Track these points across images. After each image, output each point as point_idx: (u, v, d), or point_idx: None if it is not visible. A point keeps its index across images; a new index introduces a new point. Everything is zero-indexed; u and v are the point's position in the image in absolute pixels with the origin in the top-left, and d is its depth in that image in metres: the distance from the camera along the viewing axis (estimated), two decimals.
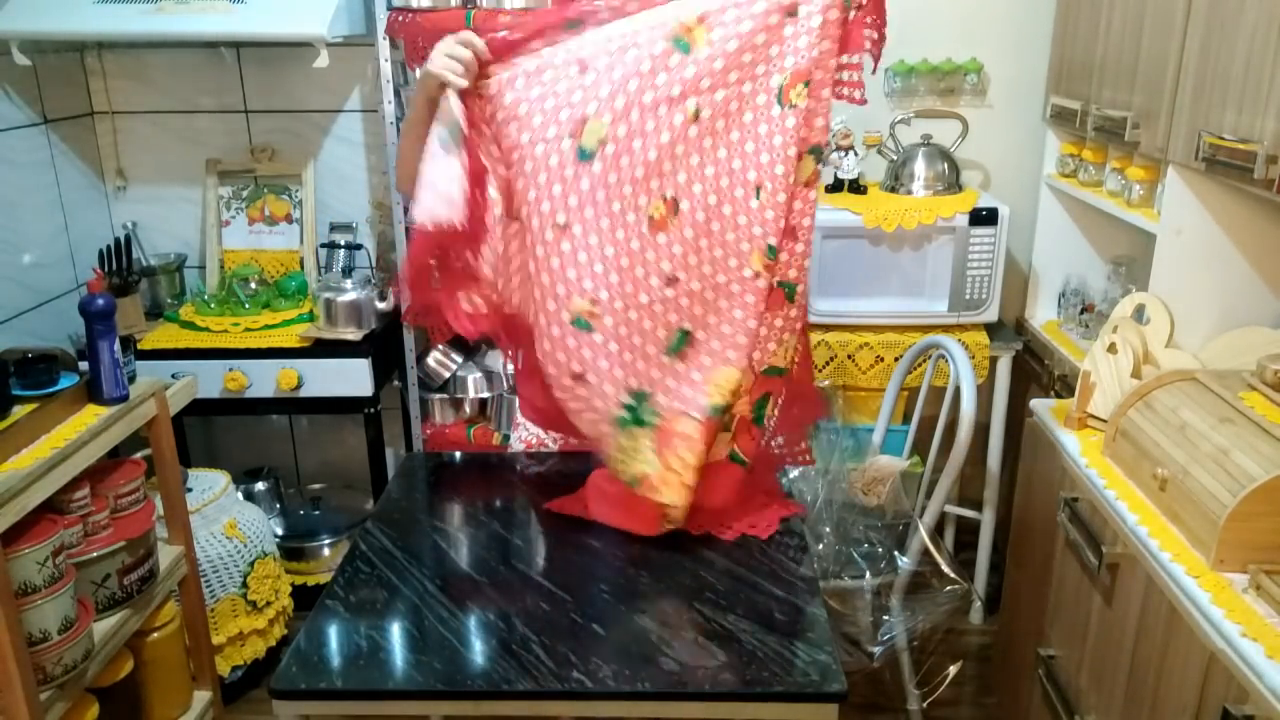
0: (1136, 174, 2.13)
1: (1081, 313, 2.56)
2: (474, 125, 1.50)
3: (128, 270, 2.65)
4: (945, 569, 1.99)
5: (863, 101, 1.50)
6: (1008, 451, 2.55)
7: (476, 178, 1.51)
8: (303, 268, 2.86)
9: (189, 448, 2.96)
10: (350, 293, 2.60)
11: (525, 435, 1.84)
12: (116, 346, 1.81)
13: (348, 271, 2.72)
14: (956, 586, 1.99)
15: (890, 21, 1.50)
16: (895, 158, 2.63)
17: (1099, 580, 1.63)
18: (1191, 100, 1.80)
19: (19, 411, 1.68)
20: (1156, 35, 1.95)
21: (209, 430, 3.15)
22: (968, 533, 2.75)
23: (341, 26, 2.43)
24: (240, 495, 2.55)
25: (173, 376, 2.15)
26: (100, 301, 1.78)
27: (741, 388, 1.56)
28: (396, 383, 2.82)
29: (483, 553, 1.50)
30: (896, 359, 2.47)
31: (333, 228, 2.88)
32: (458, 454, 1.97)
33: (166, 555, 2.01)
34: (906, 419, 2.43)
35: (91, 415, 1.78)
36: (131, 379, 1.90)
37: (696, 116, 1.47)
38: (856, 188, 2.60)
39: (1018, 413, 2.33)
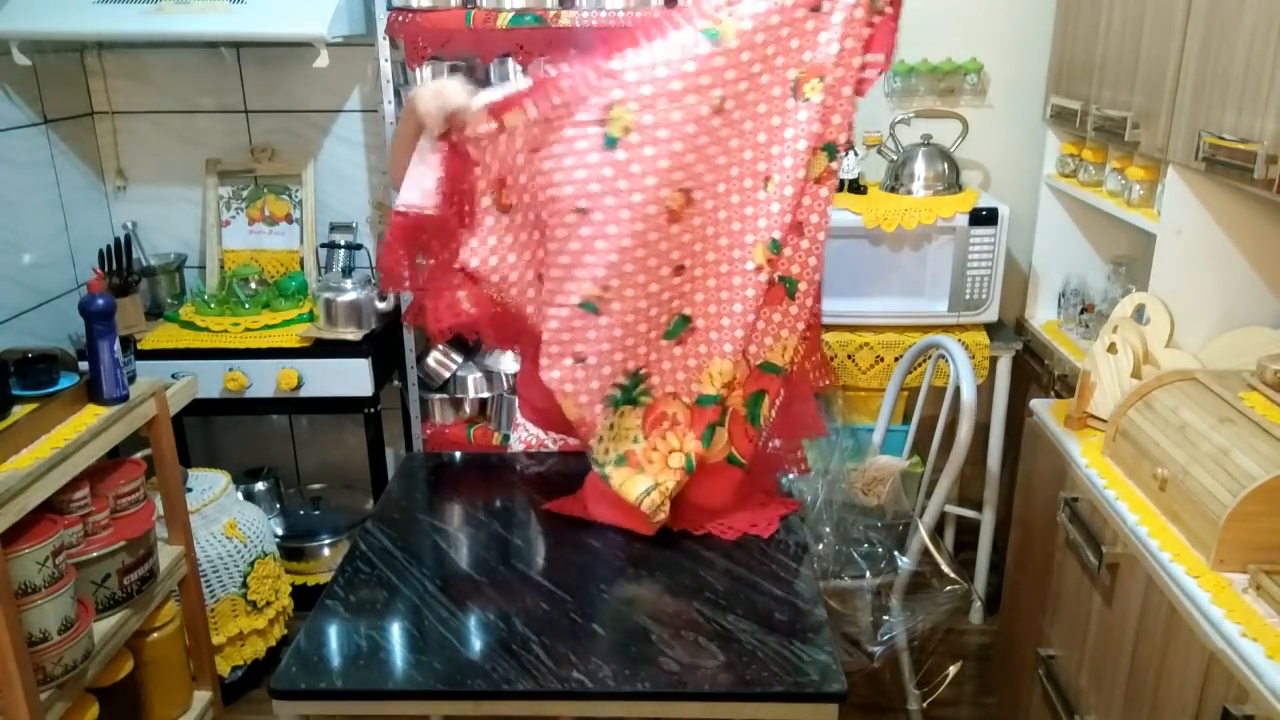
0: (1136, 174, 2.13)
1: (1081, 313, 2.56)
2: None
3: (128, 270, 2.65)
4: (945, 569, 1.99)
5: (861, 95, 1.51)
6: (1008, 451, 2.54)
7: (460, 174, 1.52)
8: (303, 268, 2.86)
9: (189, 448, 2.95)
10: (350, 293, 2.60)
11: (525, 435, 1.85)
12: (116, 346, 1.81)
13: (348, 271, 2.72)
14: (956, 586, 1.99)
15: None
16: (895, 158, 2.63)
17: (1099, 580, 1.63)
18: (1191, 100, 1.80)
19: (19, 411, 1.68)
20: (1156, 35, 1.95)
21: (209, 430, 3.15)
22: (968, 533, 2.75)
23: (341, 26, 2.42)
24: (240, 495, 2.55)
25: (173, 376, 2.15)
26: (100, 301, 1.78)
27: (735, 380, 1.57)
28: (396, 383, 2.82)
29: (483, 553, 1.50)
30: (896, 359, 2.47)
31: (333, 228, 2.88)
32: (458, 454, 1.97)
33: (166, 555, 2.01)
34: (906, 419, 2.43)
35: (91, 415, 1.78)
36: (131, 379, 1.90)
37: (721, 108, 1.46)
38: (856, 188, 2.60)
39: (1018, 413, 2.33)
